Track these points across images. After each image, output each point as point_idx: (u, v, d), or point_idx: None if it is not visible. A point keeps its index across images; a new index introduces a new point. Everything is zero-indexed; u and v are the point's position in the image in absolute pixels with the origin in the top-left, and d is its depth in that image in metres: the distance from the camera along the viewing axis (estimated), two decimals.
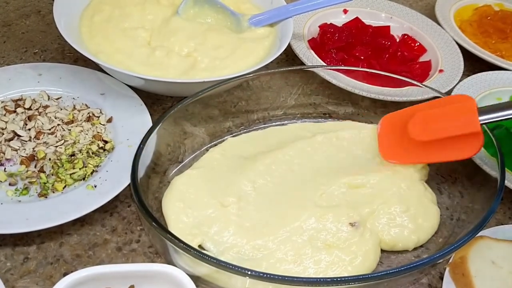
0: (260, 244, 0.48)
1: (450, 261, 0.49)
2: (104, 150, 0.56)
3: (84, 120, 0.59)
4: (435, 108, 0.52)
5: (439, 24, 0.81)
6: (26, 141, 0.56)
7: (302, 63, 0.69)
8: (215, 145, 0.59)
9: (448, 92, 0.68)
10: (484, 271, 0.48)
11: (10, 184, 0.52)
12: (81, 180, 0.53)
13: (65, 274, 0.46)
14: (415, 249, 0.51)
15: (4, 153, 0.54)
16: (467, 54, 0.77)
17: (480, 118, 0.49)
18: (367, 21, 0.79)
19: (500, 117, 0.49)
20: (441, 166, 0.59)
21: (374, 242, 0.49)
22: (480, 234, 0.49)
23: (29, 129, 0.57)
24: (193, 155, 0.58)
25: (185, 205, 0.50)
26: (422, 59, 0.77)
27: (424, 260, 0.44)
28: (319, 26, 0.77)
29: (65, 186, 0.52)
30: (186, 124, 0.58)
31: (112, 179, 0.52)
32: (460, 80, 0.70)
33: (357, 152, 0.58)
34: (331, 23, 0.78)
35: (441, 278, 0.49)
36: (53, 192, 0.52)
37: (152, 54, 0.61)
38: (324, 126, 0.63)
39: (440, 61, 0.75)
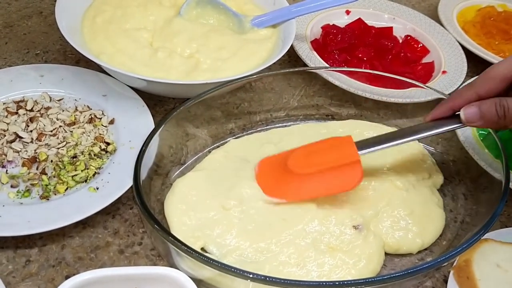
0: (263, 247, 0.47)
1: (455, 264, 0.49)
2: (106, 152, 0.56)
3: (86, 122, 0.59)
4: (314, 145, 0.52)
5: (442, 25, 0.81)
6: (28, 143, 0.55)
7: (305, 65, 0.69)
8: (218, 146, 0.59)
9: (452, 93, 0.68)
10: (489, 274, 0.47)
11: (12, 186, 0.52)
12: (83, 182, 0.53)
13: (67, 277, 0.46)
14: (419, 252, 0.51)
15: (6, 155, 0.54)
16: (470, 55, 0.76)
17: (359, 151, 0.49)
18: (370, 22, 0.79)
19: (375, 149, 0.50)
20: (444, 169, 0.59)
21: (378, 245, 0.48)
22: (484, 237, 0.48)
23: (31, 131, 0.56)
24: (196, 157, 0.57)
25: (187, 207, 0.50)
26: (425, 60, 0.77)
27: (428, 264, 0.43)
28: (322, 27, 0.77)
29: (67, 188, 0.52)
30: (189, 125, 0.57)
31: (114, 181, 0.52)
32: (463, 82, 0.70)
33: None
34: (333, 24, 0.77)
35: (446, 282, 0.49)
36: (55, 194, 0.51)
37: (154, 55, 0.61)
38: (328, 125, 0.63)
39: (443, 62, 0.74)
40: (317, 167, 0.49)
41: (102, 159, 0.55)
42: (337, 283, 0.42)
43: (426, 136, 0.50)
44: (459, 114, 0.47)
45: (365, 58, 0.72)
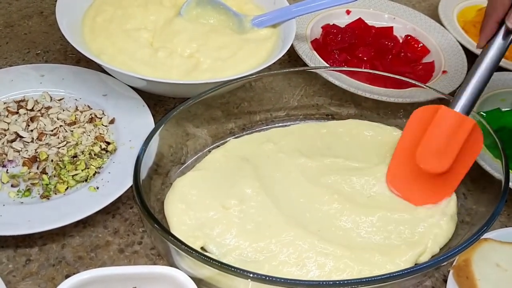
0: (263, 246, 0.47)
1: (454, 263, 0.49)
2: (107, 151, 0.56)
3: (87, 121, 0.59)
4: (421, 135, 0.52)
5: (442, 25, 0.81)
6: (28, 143, 0.56)
7: (305, 64, 0.69)
8: (218, 146, 0.59)
9: (452, 93, 0.68)
10: (489, 274, 0.47)
11: (12, 186, 0.52)
12: (83, 181, 0.53)
13: (67, 276, 0.46)
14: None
15: (6, 155, 0.54)
16: (470, 55, 0.76)
17: (459, 110, 0.51)
18: (370, 22, 0.79)
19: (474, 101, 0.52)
20: None
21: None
22: (484, 236, 0.48)
23: (32, 130, 0.57)
24: (196, 156, 0.57)
25: (187, 207, 0.50)
26: (426, 60, 0.77)
27: (428, 263, 0.44)
28: (322, 27, 0.77)
29: (67, 188, 0.52)
30: (189, 125, 0.57)
31: (114, 181, 0.52)
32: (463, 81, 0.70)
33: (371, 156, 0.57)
34: (334, 24, 0.77)
35: (445, 281, 0.49)
36: (55, 193, 0.52)
37: (155, 55, 0.61)
38: (328, 125, 0.63)
39: (444, 62, 0.74)
40: (452, 155, 0.50)
41: (103, 159, 0.55)
42: (336, 282, 0.42)
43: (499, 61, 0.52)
44: (504, 28, 0.50)
45: (365, 58, 0.72)
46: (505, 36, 0.51)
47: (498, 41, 0.52)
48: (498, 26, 0.51)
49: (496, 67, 0.52)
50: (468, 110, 0.52)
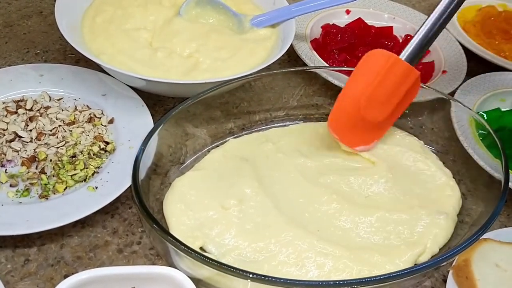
0: (262, 247, 0.47)
1: (454, 264, 0.49)
2: (106, 151, 0.56)
3: (86, 121, 0.59)
4: (369, 82, 0.52)
5: None
6: (27, 142, 0.55)
7: (305, 64, 0.69)
8: (217, 146, 0.59)
9: (451, 93, 0.68)
10: (488, 274, 0.47)
11: (11, 186, 0.52)
12: (82, 181, 0.53)
13: (65, 276, 0.46)
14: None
15: (5, 154, 0.54)
16: (470, 55, 0.76)
17: (404, 58, 0.52)
18: (369, 21, 0.79)
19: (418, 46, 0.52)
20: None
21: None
22: (484, 236, 0.48)
23: (30, 130, 0.57)
24: (195, 156, 0.57)
25: (186, 207, 0.50)
26: (425, 60, 0.76)
27: (427, 263, 0.43)
28: (322, 27, 0.77)
29: (66, 188, 0.52)
30: (188, 125, 0.57)
31: (113, 181, 0.52)
32: (463, 81, 0.70)
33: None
34: (333, 24, 0.77)
35: (445, 281, 0.49)
36: (54, 193, 0.52)
37: (154, 55, 0.61)
38: (327, 125, 0.63)
39: (443, 62, 0.74)
40: (392, 105, 0.52)
41: (101, 159, 0.55)
42: (336, 282, 0.42)
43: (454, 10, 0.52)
44: None
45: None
46: None
47: None
48: None
49: (448, 18, 0.52)
50: (414, 60, 0.53)
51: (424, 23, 0.53)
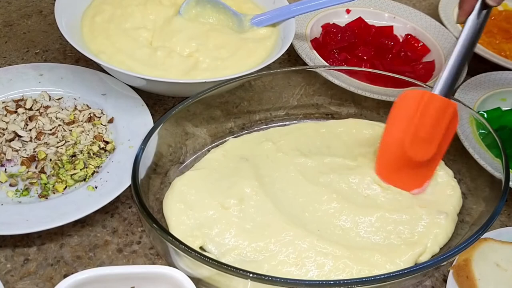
0: (262, 246, 0.47)
1: (454, 263, 0.49)
2: (105, 150, 0.56)
3: (85, 121, 0.59)
4: (408, 124, 0.52)
5: (442, 24, 0.81)
6: (27, 142, 0.55)
7: (305, 63, 0.69)
8: (217, 146, 0.59)
9: (452, 93, 0.67)
10: (488, 274, 0.47)
11: (10, 185, 0.52)
12: (82, 181, 0.53)
13: (65, 276, 0.46)
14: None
15: (5, 154, 0.54)
16: None
17: (438, 92, 0.52)
18: (370, 21, 0.79)
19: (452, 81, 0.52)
20: None
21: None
22: (484, 236, 0.48)
23: (30, 130, 0.56)
24: (195, 156, 0.57)
25: (186, 206, 0.50)
26: (426, 59, 0.76)
27: (427, 263, 0.43)
28: (322, 26, 0.77)
29: (65, 187, 0.52)
30: (188, 124, 0.57)
31: (113, 180, 0.52)
32: (464, 81, 0.70)
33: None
34: (333, 23, 0.77)
35: (445, 281, 0.49)
36: (54, 193, 0.51)
37: (154, 54, 0.61)
38: (327, 124, 0.63)
39: (444, 61, 0.74)
40: (437, 141, 0.51)
41: (101, 158, 0.55)
42: (336, 282, 0.42)
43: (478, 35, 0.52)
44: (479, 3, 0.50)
45: (365, 57, 0.72)
46: (480, 12, 0.51)
47: (473, 18, 0.51)
48: (476, 1, 0.51)
49: (474, 43, 0.52)
50: (448, 92, 0.52)
51: (452, 52, 0.52)
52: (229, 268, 0.41)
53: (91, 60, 0.57)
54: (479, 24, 0.51)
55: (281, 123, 0.63)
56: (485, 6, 0.51)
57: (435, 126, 0.51)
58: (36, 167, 0.54)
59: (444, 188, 0.54)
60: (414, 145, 0.51)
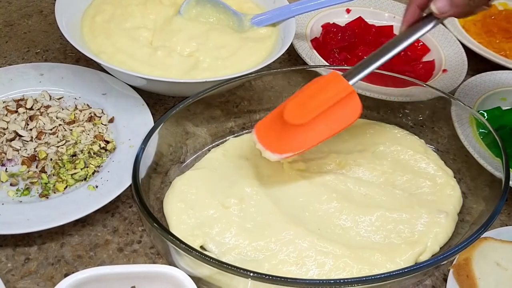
0: (262, 245, 0.47)
1: (454, 262, 0.49)
2: (106, 150, 0.56)
3: (86, 120, 0.59)
4: (304, 92, 0.51)
5: (442, 23, 0.81)
6: (27, 141, 0.55)
7: (305, 63, 0.69)
8: (217, 145, 0.59)
9: (452, 92, 0.68)
10: (489, 273, 0.47)
11: (11, 185, 0.52)
12: (82, 180, 0.53)
13: (66, 275, 0.46)
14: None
15: (5, 153, 0.54)
16: (471, 54, 0.76)
17: (350, 82, 0.49)
18: (370, 20, 0.79)
19: (364, 74, 0.50)
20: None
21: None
22: (484, 235, 0.48)
23: (31, 129, 0.57)
24: (195, 155, 0.57)
25: (186, 205, 0.50)
26: (426, 58, 0.76)
27: (427, 262, 0.43)
28: (322, 26, 0.77)
29: (66, 187, 0.52)
30: (188, 124, 0.57)
31: (114, 180, 0.52)
32: (464, 80, 0.70)
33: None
34: (334, 23, 0.77)
35: (445, 280, 0.49)
36: (54, 192, 0.52)
37: (154, 54, 0.61)
38: None
39: (444, 61, 0.74)
40: (315, 112, 0.48)
41: (102, 158, 0.55)
42: (336, 281, 0.42)
43: (409, 44, 0.50)
44: (429, 14, 0.49)
45: (365, 57, 0.72)
46: (426, 23, 0.51)
47: (419, 27, 0.51)
48: (420, 12, 0.50)
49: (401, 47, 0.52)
50: (354, 80, 0.50)
51: (384, 50, 0.51)
52: (230, 267, 0.41)
53: (92, 59, 0.57)
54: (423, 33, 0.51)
55: None
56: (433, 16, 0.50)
57: (319, 98, 0.49)
58: (36, 167, 0.54)
59: (444, 187, 0.54)
60: (291, 107, 0.49)
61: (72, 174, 0.53)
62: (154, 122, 0.57)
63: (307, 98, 0.50)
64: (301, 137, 0.49)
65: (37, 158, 0.54)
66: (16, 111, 0.58)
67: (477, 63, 0.76)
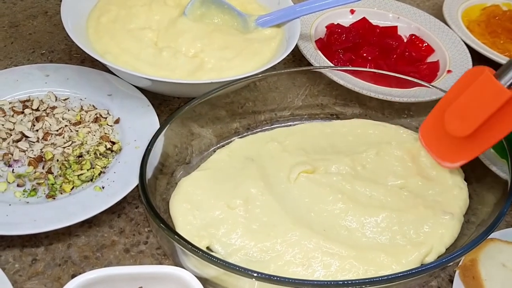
0: (268, 246, 0.47)
1: (460, 264, 0.49)
2: (112, 151, 0.56)
3: (92, 121, 0.59)
4: (459, 95, 0.51)
5: (446, 24, 0.81)
6: (34, 142, 0.56)
7: (309, 64, 0.69)
8: (222, 146, 0.59)
9: None
10: (495, 274, 0.47)
11: (18, 185, 0.52)
12: (88, 181, 0.53)
13: (73, 276, 0.46)
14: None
15: (12, 154, 0.54)
16: (475, 55, 0.76)
17: (502, 82, 0.48)
18: (374, 21, 0.79)
19: None
20: None
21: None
22: (490, 236, 0.48)
23: (37, 130, 0.57)
24: (201, 156, 0.58)
25: (192, 206, 0.50)
26: (430, 59, 0.76)
27: (433, 263, 0.43)
28: (326, 27, 0.77)
29: (73, 187, 0.52)
30: (194, 125, 0.57)
31: (120, 180, 0.52)
32: None
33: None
34: (338, 24, 0.77)
35: (451, 281, 0.49)
36: (61, 193, 0.52)
37: (159, 54, 0.61)
38: (332, 125, 0.63)
39: (448, 61, 0.74)
40: (477, 123, 0.49)
41: (108, 158, 0.55)
42: (343, 282, 0.42)
43: None
44: None
45: (369, 58, 0.72)
46: None
47: None
48: None
49: None
50: (506, 79, 0.48)
51: None
52: (236, 268, 0.41)
53: (97, 60, 0.57)
54: None
55: (286, 124, 0.63)
56: None
57: (478, 106, 0.49)
58: (43, 168, 0.54)
59: (452, 188, 0.54)
60: (451, 117, 0.51)
61: (78, 175, 0.53)
62: (160, 123, 0.58)
63: (465, 105, 0.51)
64: (469, 147, 0.51)
65: (43, 159, 0.54)
66: (22, 112, 0.58)
67: (482, 64, 0.76)
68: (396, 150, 0.57)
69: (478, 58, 0.76)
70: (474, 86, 0.50)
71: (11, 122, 0.57)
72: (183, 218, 0.49)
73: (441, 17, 0.82)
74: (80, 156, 0.55)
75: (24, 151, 0.55)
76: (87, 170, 0.53)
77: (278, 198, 0.51)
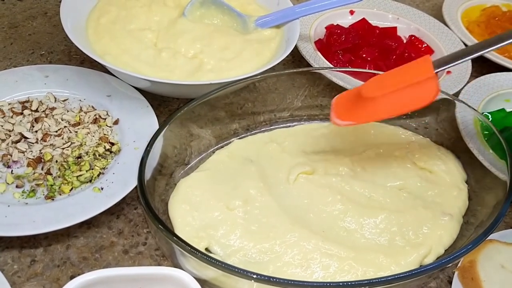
0: (267, 247, 0.47)
1: (459, 265, 0.49)
2: (111, 152, 0.56)
3: (91, 122, 0.59)
4: (390, 71, 0.51)
5: (446, 25, 0.81)
6: (33, 143, 0.56)
7: (309, 65, 0.69)
8: (222, 147, 0.59)
9: (456, 94, 0.68)
10: (494, 275, 0.47)
11: (17, 187, 0.52)
12: (87, 182, 0.53)
13: (72, 277, 0.46)
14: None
15: (11, 155, 0.54)
16: None
17: (435, 65, 0.49)
18: (373, 22, 0.79)
19: (452, 65, 0.50)
20: None
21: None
22: (489, 238, 0.48)
23: (36, 131, 0.57)
24: (200, 157, 0.58)
25: (191, 207, 0.50)
26: None
27: (432, 264, 0.43)
28: (326, 27, 0.77)
29: (71, 189, 0.52)
30: (193, 126, 0.57)
31: (119, 182, 0.52)
32: (468, 82, 0.70)
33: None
34: (337, 24, 0.77)
35: (450, 282, 0.49)
36: (60, 194, 0.52)
37: (159, 55, 0.61)
38: (331, 126, 0.62)
39: None
40: (390, 89, 0.49)
41: (107, 159, 0.55)
42: (341, 284, 0.42)
43: (498, 47, 0.50)
44: None
45: (369, 58, 0.72)
46: None
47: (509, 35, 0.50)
48: None
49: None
50: (441, 67, 0.50)
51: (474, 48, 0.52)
52: (235, 269, 0.41)
53: (96, 61, 0.57)
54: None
55: (286, 124, 0.63)
56: None
57: (400, 76, 0.50)
58: (42, 169, 0.54)
59: (451, 189, 0.54)
60: (373, 80, 0.51)
61: (77, 176, 0.53)
62: (159, 124, 0.58)
63: (389, 76, 0.50)
64: (369, 110, 0.50)
65: (42, 160, 0.54)
66: (22, 113, 0.58)
67: (481, 65, 0.76)
68: (396, 151, 0.57)
69: (477, 59, 0.75)
70: (411, 63, 0.51)
71: (10, 123, 0.57)
72: (182, 219, 0.49)
73: (440, 18, 0.82)
74: (79, 157, 0.55)
75: (23, 152, 0.55)
76: (86, 171, 0.53)
77: (277, 199, 0.51)
